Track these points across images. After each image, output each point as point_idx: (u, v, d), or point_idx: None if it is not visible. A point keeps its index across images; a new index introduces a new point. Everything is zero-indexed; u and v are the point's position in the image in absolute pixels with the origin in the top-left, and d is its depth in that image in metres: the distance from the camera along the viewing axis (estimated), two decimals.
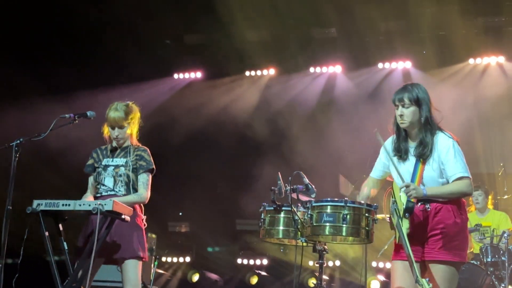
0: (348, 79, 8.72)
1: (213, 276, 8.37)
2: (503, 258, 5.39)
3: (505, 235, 5.48)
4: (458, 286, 4.75)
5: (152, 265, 6.10)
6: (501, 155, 7.40)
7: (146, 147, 4.00)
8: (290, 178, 3.55)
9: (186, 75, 9.34)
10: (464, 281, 5.40)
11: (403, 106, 3.09)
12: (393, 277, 3.29)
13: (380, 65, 8.54)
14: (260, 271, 8.26)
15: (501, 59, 8.23)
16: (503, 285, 5.35)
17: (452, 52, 8.13)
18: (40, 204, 3.44)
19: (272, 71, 9.04)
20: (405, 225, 2.99)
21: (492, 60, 8.28)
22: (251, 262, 8.47)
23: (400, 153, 3.23)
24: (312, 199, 3.65)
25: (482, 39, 7.88)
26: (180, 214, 9.09)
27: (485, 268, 5.58)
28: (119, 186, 3.73)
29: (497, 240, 5.64)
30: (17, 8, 8.21)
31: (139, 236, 3.75)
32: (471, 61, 8.30)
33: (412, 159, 3.19)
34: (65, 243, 3.59)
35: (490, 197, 6.39)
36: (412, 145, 3.21)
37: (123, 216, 3.45)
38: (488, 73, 8.17)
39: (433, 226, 3.06)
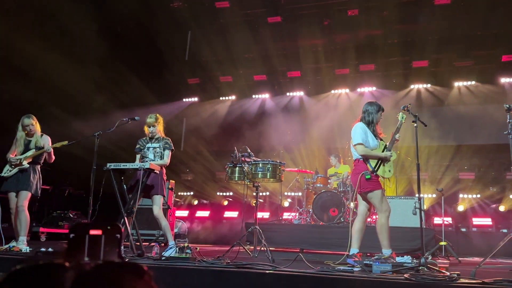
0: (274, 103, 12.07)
1: (205, 201, 11.76)
2: (347, 188, 7.87)
3: (348, 175, 7.93)
4: (327, 204, 7.73)
5: (173, 195, 8.64)
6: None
7: (168, 138, 5.83)
8: (240, 149, 5.84)
9: None
10: (329, 201, 7.81)
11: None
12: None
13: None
14: (229, 199, 11.57)
15: None
16: (348, 201, 7.68)
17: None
18: (111, 165, 5.32)
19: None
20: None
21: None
22: (224, 193, 11.78)
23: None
24: (252, 159, 5.85)
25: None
26: (187, 170, 12.36)
27: (339, 193, 7.91)
28: (156, 158, 5.66)
29: (346, 179, 8.06)
30: None
31: (162, 183, 5.60)
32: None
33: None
34: (124, 186, 5.43)
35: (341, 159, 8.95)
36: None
37: (155, 171, 5.37)
38: None
39: None
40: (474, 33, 9.91)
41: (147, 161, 5.55)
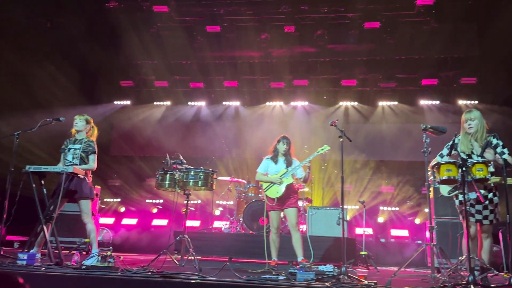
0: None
1: (133, 209, 11.34)
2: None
3: None
4: (257, 213, 7.65)
5: (98, 202, 8.18)
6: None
7: (93, 140, 5.53)
8: (172, 156, 5.71)
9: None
10: (260, 210, 7.75)
11: None
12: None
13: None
14: (158, 206, 11.22)
15: None
16: None
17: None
18: (30, 167, 4.96)
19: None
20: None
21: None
22: (153, 201, 11.38)
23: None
24: (184, 167, 5.74)
25: None
26: (115, 175, 11.79)
27: None
28: (75, 160, 5.35)
29: None
30: None
31: (88, 186, 5.33)
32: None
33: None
34: (44, 190, 5.06)
35: None
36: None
37: (78, 175, 5.10)
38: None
39: None
40: (398, 57, 10.61)
41: (66, 164, 5.37)
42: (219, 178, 8.41)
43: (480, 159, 4.08)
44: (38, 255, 4.73)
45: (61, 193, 5.02)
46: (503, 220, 4.05)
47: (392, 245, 9.67)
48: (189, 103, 12.25)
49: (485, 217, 4.27)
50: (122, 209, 11.44)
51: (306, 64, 10.99)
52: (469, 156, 4.34)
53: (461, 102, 10.89)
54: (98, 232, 8.34)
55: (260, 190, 8.79)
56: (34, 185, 5.06)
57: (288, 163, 5.78)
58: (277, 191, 5.66)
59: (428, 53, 10.19)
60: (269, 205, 5.72)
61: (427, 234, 4.48)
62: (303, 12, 10.08)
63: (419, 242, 9.53)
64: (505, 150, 4.18)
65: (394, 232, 10.20)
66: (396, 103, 11.35)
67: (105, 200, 11.24)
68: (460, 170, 3.87)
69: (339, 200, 8.59)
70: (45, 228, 4.89)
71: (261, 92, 11.77)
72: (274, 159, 5.84)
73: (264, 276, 4.13)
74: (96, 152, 5.51)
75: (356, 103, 11.54)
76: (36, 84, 9.40)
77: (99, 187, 8.39)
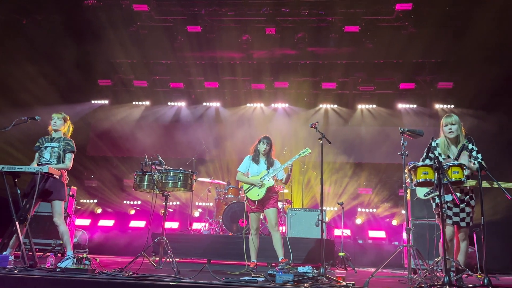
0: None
1: (110, 210, 11.16)
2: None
3: None
4: (237, 214, 7.59)
5: (74, 203, 7.99)
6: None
7: (71, 139, 5.43)
8: (151, 157, 5.56)
9: None
10: (239, 212, 7.75)
11: None
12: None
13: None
14: (136, 208, 11.13)
15: None
16: None
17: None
18: (4, 167, 4.85)
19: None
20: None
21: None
22: (131, 202, 11.33)
23: None
24: (163, 168, 5.62)
25: None
26: (92, 176, 11.68)
27: None
28: (52, 159, 5.24)
29: None
30: None
31: (63, 187, 5.24)
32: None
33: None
34: (18, 190, 4.98)
35: None
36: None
37: (54, 175, 4.95)
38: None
39: None
40: (377, 61, 10.77)
41: (42, 162, 5.26)
42: (199, 179, 8.37)
43: (456, 162, 4.17)
44: (12, 257, 4.62)
45: (36, 194, 4.89)
46: (478, 222, 4.14)
47: (369, 246, 9.80)
48: (169, 103, 12.14)
49: (462, 219, 4.36)
50: (99, 211, 11.29)
51: (286, 66, 11.03)
52: (446, 160, 4.43)
53: (437, 106, 11.13)
54: (74, 234, 8.16)
55: (240, 192, 8.77)
56: (7, 186, 4.94)
57: (269, 164, 5.80)
58: (258, 193, 5.69)
59: (406, 57, 10.38)
60: (249, 207, 5.74)
61: (404, 235, 4.55)
62: (284, 14, 10.12)
63: (396, 243, 9.68)
64: (479, 156, 4.29)
65: (372, 233, 10.34)
66: (374, 106, 11.52)
67: (81, 201, 11.07)
68: (436, 172, 3.93)
69: (319, 201, 8.66)
70: (19, 229, 4.78)
71: (242, 93, 11.76)
72: (255, 158, 5.87)
73: (243, 278, 4.12)
74: (75, 152, 5.42)
75: (335, 106, 11.66)
76: (11, 83, 9.13)
77: (75, 187, 8.25)
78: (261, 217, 5.82)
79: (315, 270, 4.28)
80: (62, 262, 4.41)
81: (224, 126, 11.53)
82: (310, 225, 7.48)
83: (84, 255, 4.23)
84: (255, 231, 5.73)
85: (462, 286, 4.07)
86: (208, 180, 9.01)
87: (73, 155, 5.41)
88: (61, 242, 7.00)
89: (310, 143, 5.57)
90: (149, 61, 11.11)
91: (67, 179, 5.43)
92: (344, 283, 3.94)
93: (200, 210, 10.42)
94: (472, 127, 8.53)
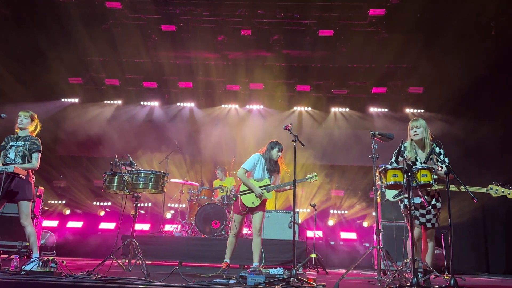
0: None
1: (78, 211, 10.90)
2: (231, 201, 7.54)
3: (233, 188, 8.21)
4: (210, 216, 7.64)
5: (41, 203, 7.70)
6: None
7: (38, 138, 5.26)
8: (121, 157, 5.34)
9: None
10: (212, 214, 7.83)
11: None
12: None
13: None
14: (106, 209, 10.92)
15: None
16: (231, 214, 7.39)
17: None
18: None
19: None
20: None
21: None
22: (101, 203, 11.02)
23: None
24: (133, 168, 5.47)
25: None
26: (61, 176, 11.41)
27: (222, 206, 7.90)
28: (17, 158, 5.08)
29: (230, 192, 8.17)
30: None
31: (30, 187, 5.10)
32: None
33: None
34: None
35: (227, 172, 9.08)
36: None
37: (20, 175, 4.83)
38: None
39: None
40: (350, 65, 10.94)
41: (7, 162, 5.09)
42: (171, 180, 8.27)
43: (424, 165, 4.27)
44: None
45: (1, 194, 4.77)
46: (445, 224, 4.26)
47: (341, 247, 9.92)
48: (142, 102, 11.94)
49: (429, 221, 4.47)
50: (67, 212, 11.01)
51: (262, 68, 11.06)
52: (414, 163, 4.53)
53: (408, 110, 11.39)
54: (41, 235, 7.92)
55: (213, 193, 8.72)
56: None
57: (272, 173, 5.68)
58: (253, 201, 5.57)
59: (378, 62, 10.60)
60: (238, 209, 5.58)
61: (374, 237, 4.63)
62: (259, 16, 10.16)
63: (367, 244, 9.84)
64: (446, 160, 4.41)
65: (343, 235, 10.48)
66: (347, 109, 11.69)
67: (49, 201, 10.74)
68: (405, 175, 4.02)
69: (292, 203, 8.73)
70: None
71: (216, 94, 11.71)
72: (265, 163, 5.68)
73: (214, 280, 4.09)
74: (41, 151, 5.25)
75: (309, 108, 11.76)
76: None
77: (42, 188, 8.02)
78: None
79: (286, 272, 4.29)
80: (27, 264, 4.27)
81: (198, 126, 11.45)
82: (283, 226, 7.51)
83: (51, 258, 4.11)
84: (236, 233, 5.62)
85: (430, 287, 4.17)
86: (180, 181, 8.91)
87: (39, 154, 5.24)
88: (27, 244, 6.82)
89: (284, 145, 5.59)
90: (121, 59, 10.91)
91: (33, 178, 5.26)
92: (315, 285, 3.96)
93: (172, 211, 10.29)
94: (441, 132, 8.77)
